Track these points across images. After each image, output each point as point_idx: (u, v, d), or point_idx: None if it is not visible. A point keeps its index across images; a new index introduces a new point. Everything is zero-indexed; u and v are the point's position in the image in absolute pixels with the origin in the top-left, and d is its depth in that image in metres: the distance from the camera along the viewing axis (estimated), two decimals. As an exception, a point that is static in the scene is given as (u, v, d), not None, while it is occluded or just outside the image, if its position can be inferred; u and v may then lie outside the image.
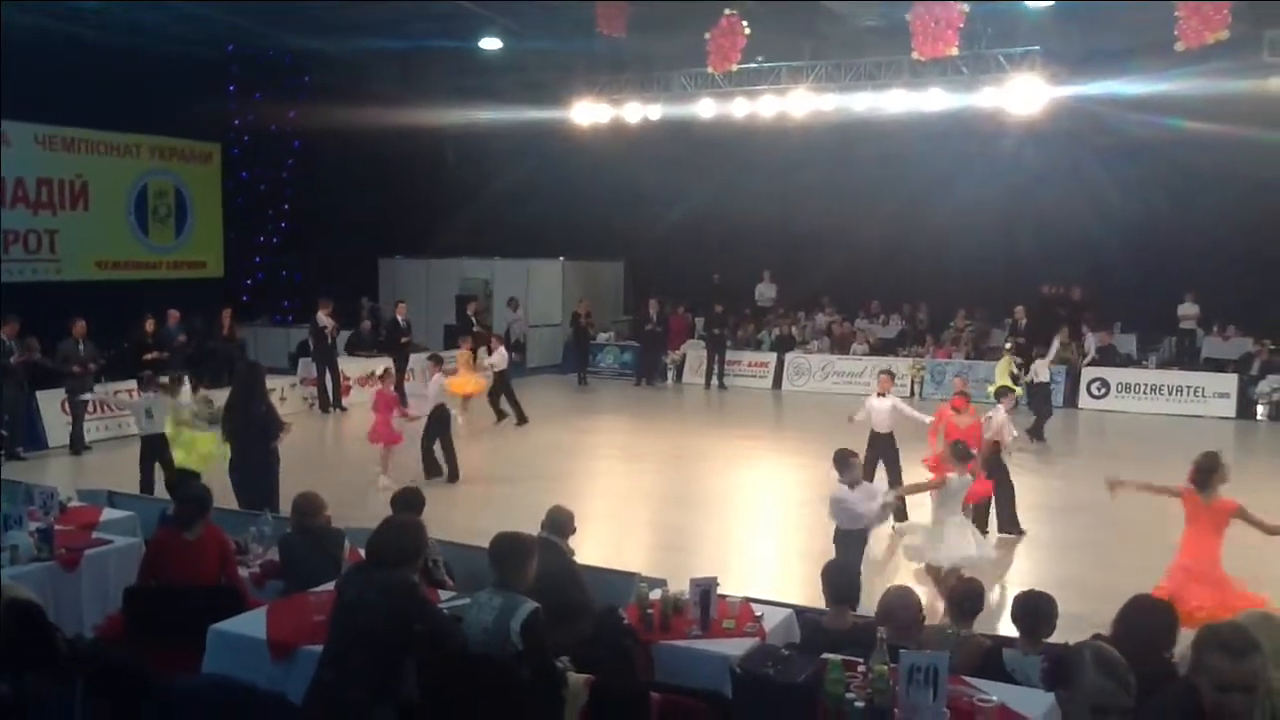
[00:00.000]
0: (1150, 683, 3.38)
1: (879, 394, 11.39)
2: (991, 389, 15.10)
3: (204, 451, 10.88)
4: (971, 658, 4.93)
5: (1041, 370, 15.02)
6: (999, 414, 10.48)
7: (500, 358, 16.50)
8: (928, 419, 11.08)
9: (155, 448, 11.13)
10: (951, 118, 17.19)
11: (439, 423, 12.52)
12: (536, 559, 4.86)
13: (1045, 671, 3.55)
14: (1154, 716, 3.29)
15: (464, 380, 16.13)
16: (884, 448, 11.02)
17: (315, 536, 6.42)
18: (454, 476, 12.52)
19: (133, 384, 15.13)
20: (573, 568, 6.21)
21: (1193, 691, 3.25)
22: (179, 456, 10.93)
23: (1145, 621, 4.32)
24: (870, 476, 10.15)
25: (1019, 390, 15.09)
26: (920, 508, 9.90)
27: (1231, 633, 3.30)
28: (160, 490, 10.37)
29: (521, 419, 16.38)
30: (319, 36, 19.23)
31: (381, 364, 15.82)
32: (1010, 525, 10.33)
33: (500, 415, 16.45)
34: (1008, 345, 17.56)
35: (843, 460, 7.69)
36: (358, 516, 8.51)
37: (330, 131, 20.47)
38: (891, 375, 12.08)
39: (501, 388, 16.50)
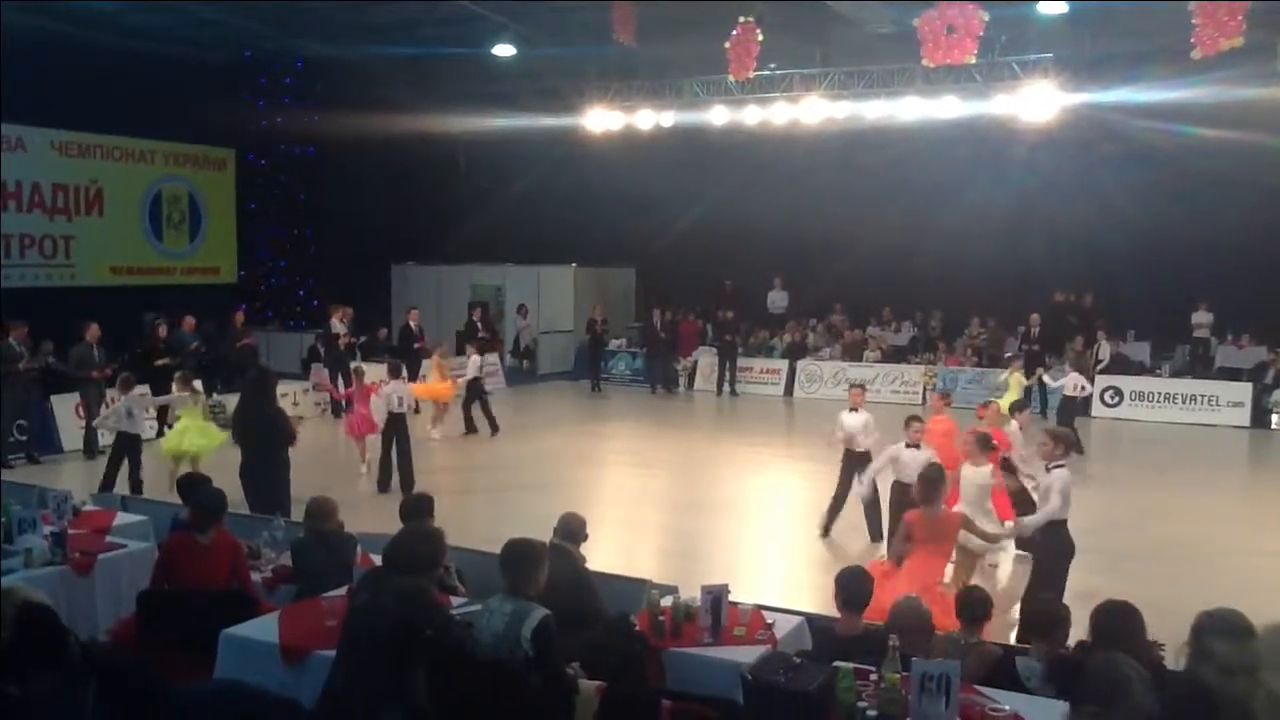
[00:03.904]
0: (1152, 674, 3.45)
1: (851, 409, 10.51)
2: (1004, 402, 14.91)
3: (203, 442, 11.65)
4: (982, 666, 4.91)
5: (1056, 380, 14.63)
6: (1013, 427, 10.08)
7: (473, 365, 16.15)
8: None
9: (129, 447, 11.55)
10: (964, 124, 17.17)
11: (394, 431, 12.21)
12: (548, 565, 4.85)
13: (1079, 690, 3.35)
14: (1169, 713, 3.27)
15: (432, 387, 15.78)
16: (861, 463, 10.20)
17: (327, 541, 6.41)
18: (407, 485, 11.72)
19: (145, 388, 15.31)
20: (584, 574, 6.19)
21: (1198, 680, 3.24)
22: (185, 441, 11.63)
23: (1117, 624, 4.47)
24: (846, 490, 10.24)
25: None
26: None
27: (1232, 617, 3.29)
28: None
29: (494, 428, 15.93)
30: (332, 43, 19.32)
31: (371, 368, 15.26)
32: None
33: (470, 427, 15.96)
34: (1009, 355, 17.38)
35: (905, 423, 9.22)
36: (370, 521, 8.52)
37: (343, 138, 20.57)
38: (863, 388, 11.20)
39: (474, 397, 16.01)
